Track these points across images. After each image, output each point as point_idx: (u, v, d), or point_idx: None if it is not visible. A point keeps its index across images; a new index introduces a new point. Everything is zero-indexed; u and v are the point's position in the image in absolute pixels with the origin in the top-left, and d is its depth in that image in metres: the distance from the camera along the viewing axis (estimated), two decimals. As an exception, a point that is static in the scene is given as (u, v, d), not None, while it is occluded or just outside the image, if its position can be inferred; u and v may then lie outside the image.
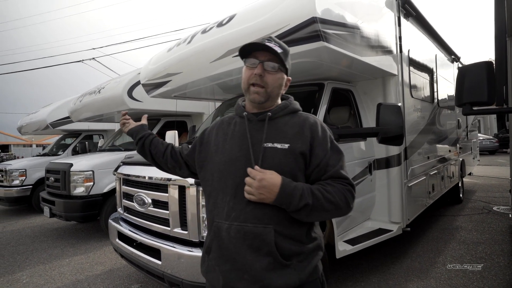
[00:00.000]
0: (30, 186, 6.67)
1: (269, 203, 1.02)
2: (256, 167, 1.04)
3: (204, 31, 2.82)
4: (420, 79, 3.88)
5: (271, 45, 1.09)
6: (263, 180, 1.00)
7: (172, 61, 3.10)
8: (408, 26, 3.49)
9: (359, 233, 3.03)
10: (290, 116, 1.17)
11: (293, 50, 2.22)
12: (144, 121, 1.56)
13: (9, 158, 35.81)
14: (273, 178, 1.01)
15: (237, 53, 2.48)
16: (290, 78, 1.21)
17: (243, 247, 1.04)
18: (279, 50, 1.09)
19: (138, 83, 4.69)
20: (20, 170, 6.68)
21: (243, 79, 1.15)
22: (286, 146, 1.08)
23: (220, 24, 2.67)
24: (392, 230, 3.07)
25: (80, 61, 15.11)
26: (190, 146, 1.38)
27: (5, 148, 47.20)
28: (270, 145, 1.08)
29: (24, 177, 6.67)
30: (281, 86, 1.16)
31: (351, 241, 2.85)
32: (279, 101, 1.20)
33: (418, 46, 3.90)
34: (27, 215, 6.70)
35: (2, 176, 6.79)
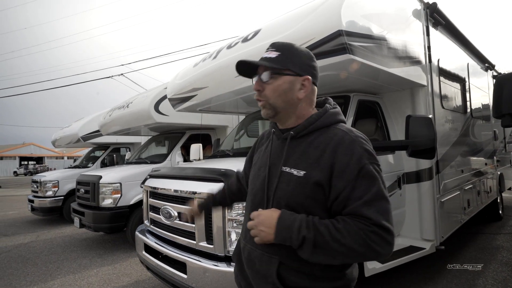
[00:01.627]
0: (62, 197, 6.97)
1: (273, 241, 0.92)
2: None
3: (229, 47, 2.89)
4: (451, 89, 3.73)
5: (266, 54, 1.00)
6: (260, 215, 0.94)
7: (197, 76, 3.19)
8: (437, 35, 3.39)
9: (389, 251, 2.89)
10: (320, 132, 0.98)
11: (319, 63, 2.21)
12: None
13: (43, 170, 37.94)
14: (271, 212, 0.93)
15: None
16: (308, 77, 1.00)
17: (254, 269, 1.02)
18: (273, 55, 0.98)
19: (164, 97, 4.84)
20: (53, 182, 7.02)
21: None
22: (302, 173, 0.93)
23: (245, 40, 2.72)
24: (424, 248, 2.90)
25: (109, 77, 15.93)
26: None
27: (39, 160, 50.15)
28: (287, 169, 0.96)
29: (57, 188, 6.99)
30: (288, 91, 0.98)
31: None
32: (312, 111, 1.04)
33: (449, 55, 3.76)
34: (58, 225, 6.99)
35: (37, 187, 7.17)
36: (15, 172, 43.27)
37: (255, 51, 2.55)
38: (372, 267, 2.54)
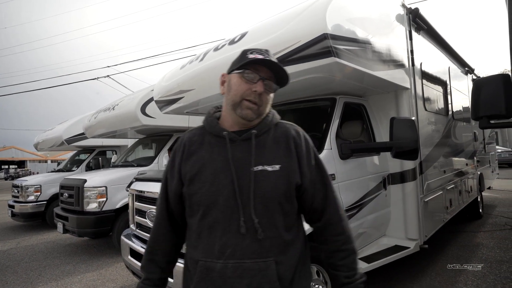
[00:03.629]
0: (45, 202, 6.76)
1: (269, 236, 0.94)
2: None
3: (216, 49, 2.89)
4: (433, 92, 3.84)
5: (274, 59, 1.00)
6: None
7: (184, 78, 3.17)
8: (419, 40, 3.49)
9: (374, 250, 2.94)
10: (273, 129, 1.06)
11: (304, 66, 2.25)
12: None
13: (25, 174, 36.71)
14: None
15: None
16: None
17: (243, 284, 0.91)
18: (282, 68, 1.01)
19: (151, 99, 4.78)
20: (35, 186, 6.81)
21: (234, 91, 1.00)
22: (277, 167, 0.97)
23: (232, 42, 2.73)
24: (409, 247, 2.96)
25: (95, 78, 15.62)
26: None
27: (21, 164, 48.55)
28: (260, 168, 0.96)
29: (39, 193, 6.78)
30: (270, 104, 1.07)
31: (367, 259, 2.77)
32: None
33: (431, 59, 3.87)
34: (41, 231, 6.77)
35: (18, 191, 6.94)
36: (-5, 176, 41.78)
37: (242, 54, 2.56)
38: (359, 267, 2.57)
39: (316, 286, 2.20)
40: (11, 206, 6.92)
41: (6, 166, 46.01)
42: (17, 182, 7.20)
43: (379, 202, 3.04)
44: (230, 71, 1.04)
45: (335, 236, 1.06)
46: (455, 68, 4.94)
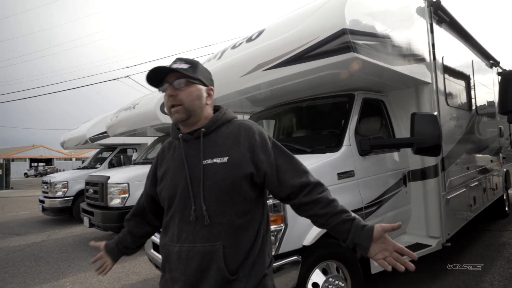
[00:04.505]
0: (71, 198, 7.10)
1: (217, 222, 1.04)
2: None
3: (234, 47, 2.93)
4: (456, 86, 3.72)
5: (175, 65, 1.10)
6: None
7: (203, 77, 3.23)
8: (441, 33, 3.39)
9: (395, 248, 2.90)
10: (225, 126, 1.16)
11: (323, 62, 2.24)
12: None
13: (53, 171, 38.44)
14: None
15: (267, 67, 2.54)
16: (212, 87, 1.20)
17: (192, 267, 1.03)
18: (184, 66, 1.10)
19: (170, 98, 4.89)
20: (62, 182, 7.16)
21: (165, 106, 1.15)
22: (225, 159, 1.07)
23: (250, 40, 2.75)
24: (430, 245, 2.90)
25: (115, 79, 16.10)
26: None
27: (49, 161, 50.81)
28: (209, 161, 1.07)
29: (66, 189, 7.12)
30: (201, 97, 1.13)
31: (387, 256, 2.74)
32: (211, 114, 1.18)
33: (453, 52, 3.75)
34: (68, 225, 7.11)
35: (47, 188, 7.31)
36: (25, 173, 43.94)
37: (259, 51, 2.59)
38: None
39: (336, 282, 2.21)
40: (42, 201, 7.32)
41: (36, 164, 48.31)
42: (46, 178, 7.59)
43: (399, 199, 2.99)
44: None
45: (310, 196, 1.12)
46: (479, 61, 4.75)
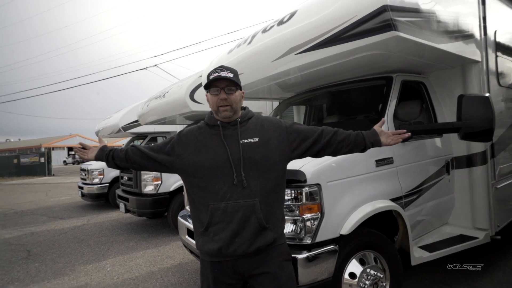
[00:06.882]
0: (107, 184, 7.46)
1: (253, 184, 1.38)
2: None
3: (264, 31, 2.82)
4: (510, 64, 3.36)
5: (224, 73, 1.41)
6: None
7: (232, 63, 3.16)
8: (494, 4, 3.04)
9: (436, 239, 2.76)
10: (251, 119, 1.53)
11: (361, 43, 2.10)
12: (102, 143, 1.71)
13: (88, 158, 40.57)
14: None
15: (300, 50, 2.42)
16: (243, 91, 1.54)
17: (237, 217, 1.35)
18: (230, 75, 1.41)
19: (199, 86, 4.90)
20: (99, 170, 7.51)
21: (211, 104, 1.46)
22: (257, 139, 1.44)
23: (281, 22, 2.64)
24: (477, 238, 2.71)
25: (144, 68, 16.49)
26: (157, 145, 1.57)
27: (85, 150, 53.82)
28: (245, 141, 1.43)
29: (102, 176, 7.49)
30: (241, 100, 1.49)
31: (428, 247, 2.60)
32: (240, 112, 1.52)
33: (508, 26, 3.36)
34: (106, 210, 7.53)
35: (85, 175, 7.73)
36: (64, 161, 47.08)
37: (291, 34, 2.47)
38: (419, 255, 2.43)
39: (374, 273, 2.13)
40: (81, 188, 7.77)
41: (73, 152, 51.50)
42: (84, 166, 8.01)
43: (441, 188, 2.81)
44: (206, 91, 1.48)
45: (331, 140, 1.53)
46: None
